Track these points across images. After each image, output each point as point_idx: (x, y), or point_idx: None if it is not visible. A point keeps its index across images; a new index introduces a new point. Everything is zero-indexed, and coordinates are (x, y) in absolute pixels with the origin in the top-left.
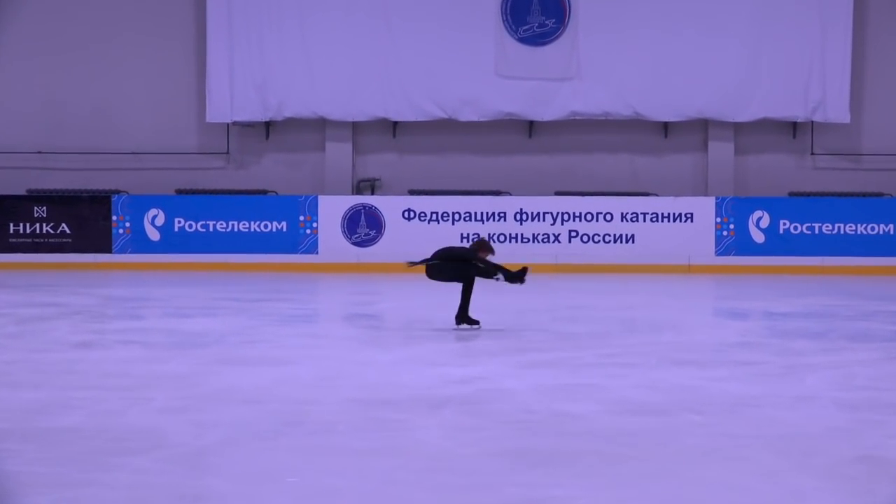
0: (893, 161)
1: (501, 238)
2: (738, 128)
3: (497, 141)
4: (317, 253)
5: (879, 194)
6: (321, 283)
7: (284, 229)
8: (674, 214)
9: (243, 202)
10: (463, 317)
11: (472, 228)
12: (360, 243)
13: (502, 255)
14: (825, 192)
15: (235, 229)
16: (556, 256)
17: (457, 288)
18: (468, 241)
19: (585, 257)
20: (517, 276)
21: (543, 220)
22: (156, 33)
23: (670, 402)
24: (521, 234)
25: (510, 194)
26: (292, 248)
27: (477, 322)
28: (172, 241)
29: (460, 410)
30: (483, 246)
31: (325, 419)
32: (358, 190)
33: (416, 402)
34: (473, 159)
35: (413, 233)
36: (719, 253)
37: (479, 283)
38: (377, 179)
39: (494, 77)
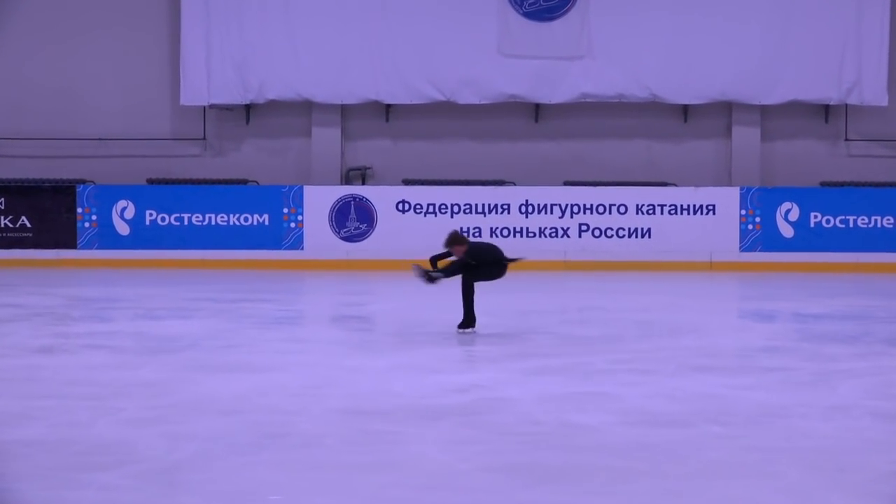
0: None
1: (505, 232)
2: (765, 111)
3: (500, 126)
4: (302, 249)
5: None
6: (307, 281)
7: (266, 223)
8: (694, 206)
9: (221, 193)
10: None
11: (473, 221)
12: (349, 238)
13: (506, 250)
14: (860, 181)
15: (212, 223)
16: (564, 253)
17: (455, 287)
18: (471, 237)
19: (597, 253)
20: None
21: (551, 212)
22: (126, 9)
23: (690, 412)
24: (527, 228)
25: (514, 184)
26: (275, 244)
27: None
28: (143, 236)
29: (459, 422)
30: (450, 241)
31: (310, 431)
32: (347, 179)
33: (410, 412)
34: (474, 146)
35: (408, 226)
36: (744, 248)
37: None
38: (368, 168)
39: (497, 56)
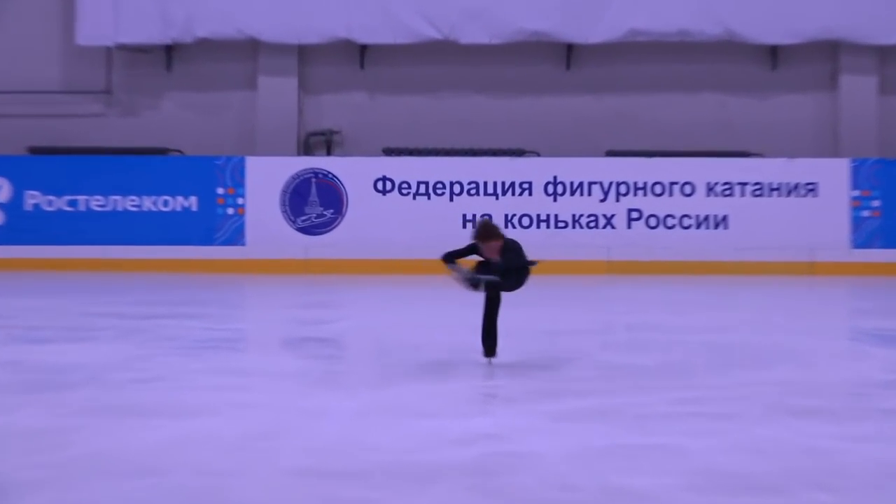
0: None
1: (525, 222)
2: (885, 55)
3: (519, 75)
4: (243, 244)
5: None
6: (250, 290)
7: (194, 208)
8: (787, 185)
9: (131, 167)
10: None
11: (481, 206)
12: (309, 229)
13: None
14: None
15: (119, 208)
16: (607, 250)
17: (453, 296)
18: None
19: (652, 251)
20: (488, 280)
21: (589, 193)
22: None
23: (785, 472)
24: (556, 217)
25: (538, 155)
26: (206, 237)
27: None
28: (22, 226)
29: (462, 485)
30: (483, 233)
31: (254, 499)
32: (307, 148)
33: (393, 472)
34: (482, 102)
35: (390, 213)
36: (857, 244)
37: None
38: (336, 132)
39: None
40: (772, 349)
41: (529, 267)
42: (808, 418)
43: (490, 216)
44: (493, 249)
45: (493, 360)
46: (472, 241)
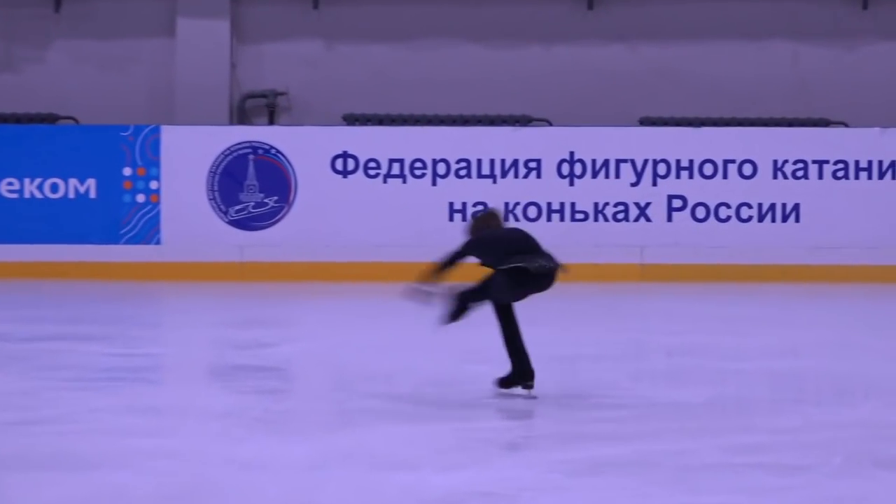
0: None
1: (532, 213)
2: None
3: (525, 17)
4: (158, 242)
5: None
6: (168, 303)
7: (92, 194)
8: (880, 165)
9: (8, 140)
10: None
11: (472, 193)
12: (245, 222)
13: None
14: None
15: None
16: (641, 250)
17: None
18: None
19: (700, 251)
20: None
21: (617, 175)
22: None
23: None
24: (573, 206)
25: (549, 123)
26: (109, 234)
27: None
28: None
29: None
30: (478, 224)
31: None
32: (243, 115)
33: None
34: (475, 53)
35: (352, 201)
36: None
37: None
38: (281, 94)
39: None
40: (856, 381)
41: (533, 269)
42: None
43: (485, 205)
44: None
45: (530, 392)
46: (467, 241)
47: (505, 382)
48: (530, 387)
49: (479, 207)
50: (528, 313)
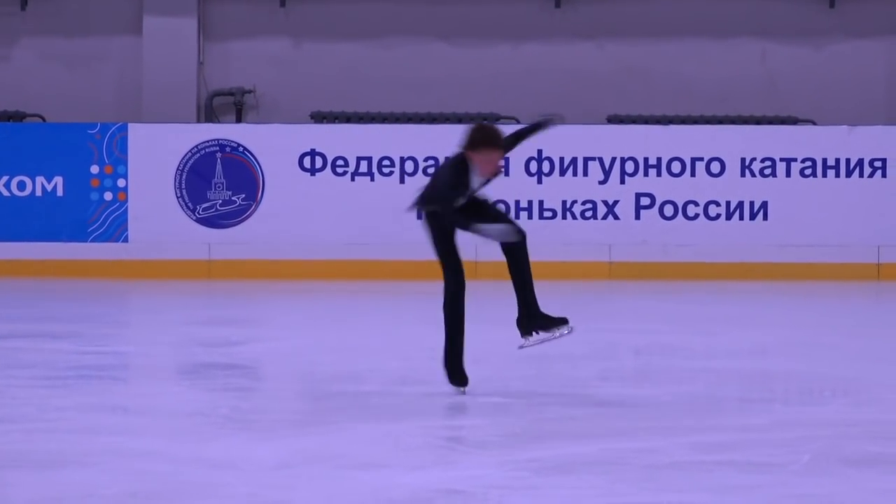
0: None
1: (500, 208)
2: None
3: (492, 14)
4: (126, 240)
5: None
6: (135, 301)
7: (60, 192)
8: (848, 163)
9: None
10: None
11: None
12: (213, 220)
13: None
14: None
15: None
16: (609, 248)
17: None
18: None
19: (669, 249)
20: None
21: (585, 173)
22: None
23: None
24: (540, 204)
25: (517, 121)
26: (77, 231)
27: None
28: None
29: None
30: (477, 139)
31: None
32: (210, 113)
33: None
34: (443, 52)
35: (320, 199)
36: None
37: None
38: (249, 91)
39: None
40: (824, 379)
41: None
42: (871, 469)
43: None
44: (489, 163)
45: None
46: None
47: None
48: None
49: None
50: (495, 313)
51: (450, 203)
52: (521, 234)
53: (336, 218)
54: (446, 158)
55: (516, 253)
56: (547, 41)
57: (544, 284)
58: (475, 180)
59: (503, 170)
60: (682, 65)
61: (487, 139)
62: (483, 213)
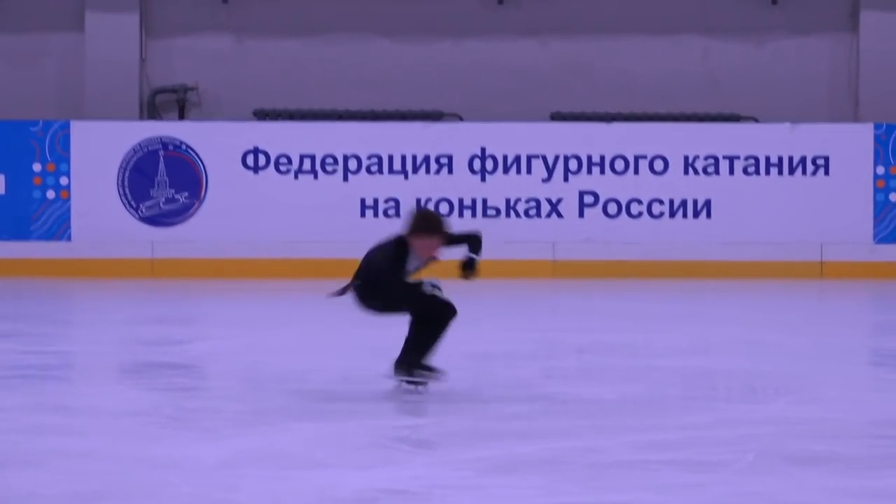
0: None
1: (442, 209)
2: None
3: (435, 11)
4: (68, 239)
5: None
6: (78, 299)
7: (1, 190)
8: (790, 160)
9: None
10: (412, 361)
11: (384, 189)
12: (156, 219)
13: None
14: None
15: None
16: (552, 246)
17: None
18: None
19: (612, 247)
20: (467, 267)
21: (528, 171)
22: None
23: None
24: (484, 202)
25: (461, 119)
26: (18, 230)
27: (432, 372)
28: None
29: None
30: (419, 226)
31: None
32: (153, 111)
33: None
34: (386, 48)
35: (263, 197)
36: (881, 238)
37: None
38: (192, 89)
39: None
40: (767, 377)
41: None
42: (814, 467)
43: (397, 202)
44: (428, 249)
45: (425, 380)
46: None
47: (402, 367)
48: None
49: (391, 204)
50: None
51: (394, 273)
52: (454, 311)
53: (279, 216)
54: (380, 242)
55: (442, 320)
56: (490, 38)
57: (488, 283)
58: (412, 263)
59: (439, 257)
60: (624, 61)
61: (430, 227)
62: (418, 293)
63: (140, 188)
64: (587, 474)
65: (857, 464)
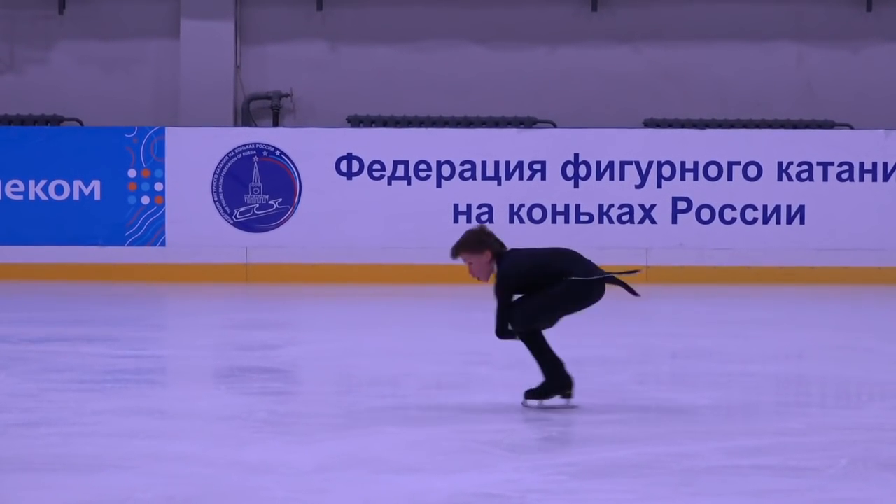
0: None
1: (536, 214)
2: None
3: (529, 18)
4: (163, 244)
5: None
6: (172, 304)
7: (97, 196)
8: (885, 167)
9: (13, 142)
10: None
11: (477, 195)
12: (250, 224)
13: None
14: None
15: None
16: (646, 252)
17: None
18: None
19: (705, 253)
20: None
21: (622, 176)
22: None
23: None
24: (577, 207)
25: (554, 125)
26: (113, 235)
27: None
28: None
29: None
30: (469, 242)
31: None
32: (247, 117)
33: None
34: (480, 55)
35: (357, 203)
36: None
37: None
38: (286, 96)
39: None
40: (861, 384)
41: (584, 278)
42: None
43: (490, 207)
44: (480, 268)
45: (570, 400)
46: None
47: (540, 393)
48: (570, 395)
49: (484, 209)
50: None
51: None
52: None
53: (373, 222)
54: (528, 249)
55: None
56: (583, 44)
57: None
58: None
59: (477, 277)
60: (718, 68)
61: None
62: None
63: (234, 194)
64: (680, 479)
65: None
